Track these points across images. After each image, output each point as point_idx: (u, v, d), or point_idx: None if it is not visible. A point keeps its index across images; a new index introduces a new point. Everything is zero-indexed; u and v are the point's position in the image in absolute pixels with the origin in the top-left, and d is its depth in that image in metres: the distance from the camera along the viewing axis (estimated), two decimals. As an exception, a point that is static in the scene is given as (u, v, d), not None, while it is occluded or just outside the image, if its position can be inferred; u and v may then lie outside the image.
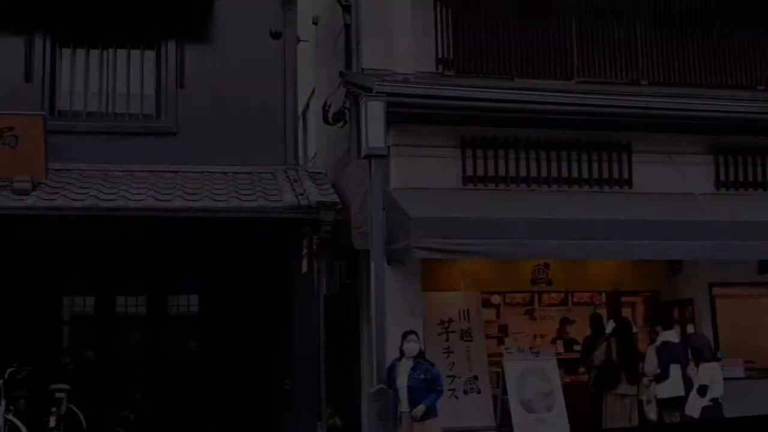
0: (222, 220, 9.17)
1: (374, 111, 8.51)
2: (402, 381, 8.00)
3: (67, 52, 10.65)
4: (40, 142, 9.11)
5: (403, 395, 7.98)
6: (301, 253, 9.50)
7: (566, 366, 11.25)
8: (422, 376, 8.00)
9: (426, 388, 8.01)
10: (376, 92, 8.87)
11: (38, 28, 10.35)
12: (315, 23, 14.92)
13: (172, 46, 10.67)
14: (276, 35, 10.84)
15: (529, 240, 9.03)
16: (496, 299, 12.19)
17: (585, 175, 10.28)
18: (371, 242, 8.50)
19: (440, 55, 10.90)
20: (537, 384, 10.12)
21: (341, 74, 11.27)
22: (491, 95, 9.69)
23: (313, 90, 15.30)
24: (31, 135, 9.06)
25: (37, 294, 13.20)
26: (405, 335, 8.19)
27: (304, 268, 9.36)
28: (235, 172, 10.40)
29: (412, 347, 8.08)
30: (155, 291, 13.80)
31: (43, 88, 10.31)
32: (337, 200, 9.32)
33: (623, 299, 12.07)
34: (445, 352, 10.35)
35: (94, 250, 12.30)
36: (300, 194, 9.49)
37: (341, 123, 11.62)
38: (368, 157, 8.58)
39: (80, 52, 10.70)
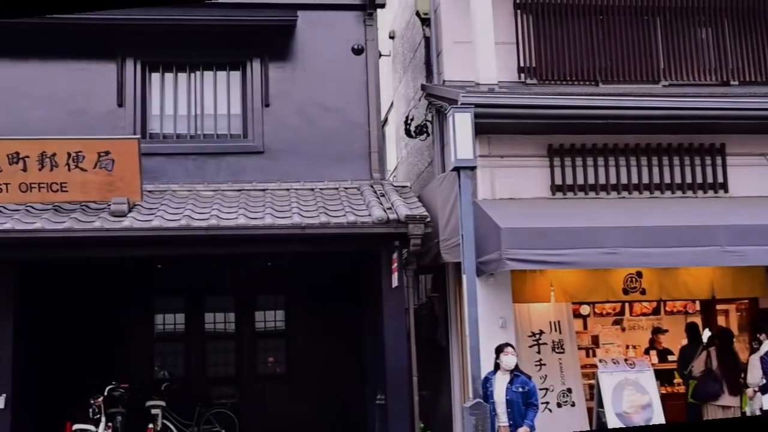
0: (311, 237, 9.23)
1: (462, 122, 8.46)
2: (499, 395, 7.89)
3: (156, 76, 10.94)
4: (135, 164, 9.36)
5: (501, 409, 7.87)
6: (390, 267, 9.49)
7: (662, 377, 10.96)
8: (520, 390, 7.88)
9: (523, 401, 7.88)
10: (464, 103, 8.81)
11: (129, 53, 10.64)
12: (392, 37, 15.01)
13: (257, 65, 10.85)
14: (358, 51, 10.92)
15: (623, 248, 8.82)
16: (585, 310, 11.98)
17: (678, 180, 10.01)
18: (462, 255, 8.43)
19: (522, 64, 10.83)
20: (634, 396, 9.85)
21: (423, 87, 11.27)
22: (579, 102, 9.53)
23: (391, 104, 15.37)
24: (126, 158, 9.32)
25: (129, 312, 13.60)
26: (501, 348, 8.09)
27: (395, 283, 9.34)
28: (321, 188, 10.50)
29: (509, 360, 7.97)
30: (242, 307, 14.05)
31: (134, 111, 10.60)
32: (426, 214, 9.29)
33: (717, 307, 11.72)
34: (537, 365, 10.19)
35: (183, 269, 12.60)
36: (388, 208, 9.50)
37: (424, 136, 11.61)
38: (457, 169, 8.52)
39: (169, 76, 10.97)
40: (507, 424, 7.84)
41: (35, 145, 9.23)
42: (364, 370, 11.34)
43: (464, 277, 8.48)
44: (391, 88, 15.28)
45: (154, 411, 11.56)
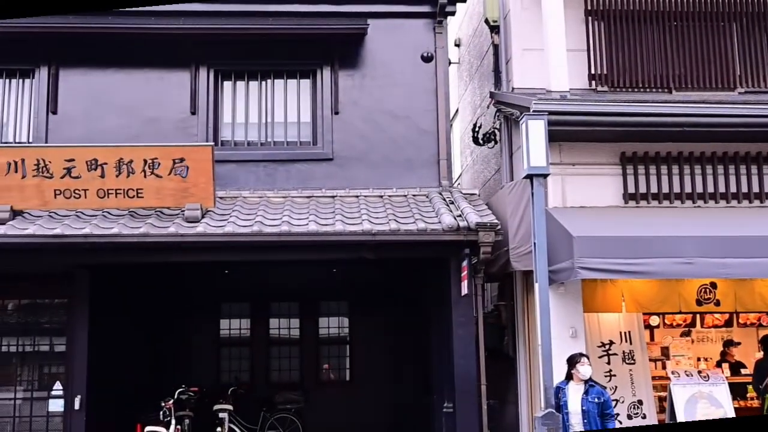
0: (382, 243, 9.25)
1: (536, 130, 8.38)
2: (574, 405, 7.77)
3: (228, 84, 11.11)
4: (208, 171, 9.50)
5: (576, 419, 7.75)
6: (460, 275, 9.45)
7: (735, 390, 10.67)
8: (596, 400, 7.75)
9: (599, 412, 7.76)
10: (536, 111, 8.74)
11: (202, 62, 10.82)
12: (457, 45, 14.99)
13: (327, 73, 10.94)
14: (428, 59, 10.93)
15: (699, 258, 8.64)
16: (654, 320, 11.75)
17: (755, 189, 9.78)
18: (535, 263, 8.34)
19: (593, 71, 10.71)
20: (708, 409, 9.63)
21: (492, 95, 11.22)
22: (654, 110, 9.38)
23: (456, 111, 15.33)
24: (200, 165, 9.47)
25: (195, 317, 13.81)
26: (576, 358, 7.97)
27: (464, 291, 9.30)
28: (390, 195, 10.52)
29: (586, 370, 7.85)
30: (306, 313, 14.16)
31: (207, 119, 10.77)
32: (497, 222, 9.23)
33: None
34: (606, 376, 10.02)
35: (248, 275, 12.74)
36: (458, 216, 9.47)
37: (492, 143, 11.56)
38: (530, 176, 8.45)
39: (240, 84, 11.13)
40: (582, 435, 7.73)
41: (113, 152, 9.44)
42: (430, 377, 11.29)
43: (536, 286, 8.39)
44: (456, 95, 15.25)
45: (221, 415, 11.70)
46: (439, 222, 9.34)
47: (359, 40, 10.89)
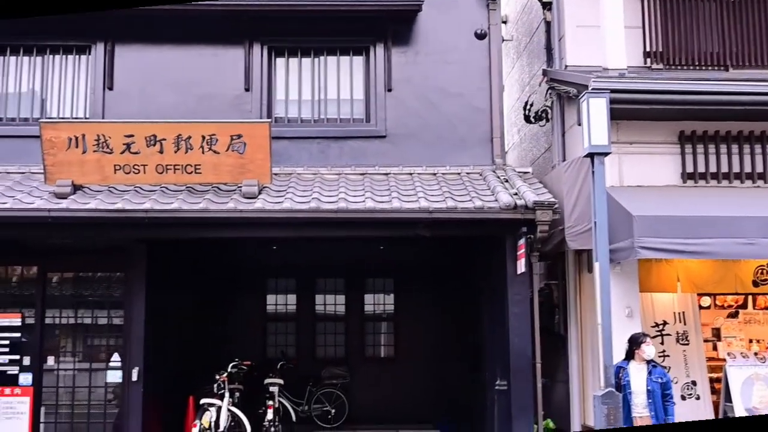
0: (438, 221, 9.26)
1: (597, 108, 8.30)
2: (638, 385, 7.77)
3: (281, 61, 11.13)
4: (265, 147, 9.55)
5: (640, 399, 7.75)
6: (516, 253, 9.44)
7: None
8: (659, 380, 7.75)
9: (661, 393, 7.76)
10: (596, 88, 8.65)
11: (256, 38, 10.84)
12: (504, 22, 14.80)
13: (380, 50, 10.92)
14: (481, 36, 10.87)
15: (762, 239, 8.56)
16: (705, 301, 11.65)
17: (818, 168, 9.65)
18: (595, 243, 8.30)
19: (648, 49, 10.58)
20: (764, 391, 9.57)
21: (544, 72, 11.13)
22: (717, 88, 9.27)
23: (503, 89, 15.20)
24: (257, 141, 9.52)
25: (243, 292, 13.96)
26: (641, 337, 7.96)
27: (521, 269, 9.29)
28: (443, 173, 10.51)
29: (651, 350, 7.85)
30: (352, 290, 14.24)
31: (261, 96, 10.81)
32: (554, 200, 9.20)
33: None
34: (660, 356, 9.99)
35: (295, 250, 12.83)
36: (514, 194, 9.44)
37: (543, 121, 11.49)
38: (591, 155, 8.39)
39: (293, 61, 11.14)
40: (647, 414, 7.72)
41: (171, 128, 9.52)
42: (479, 355, 11.32)
43: (596, 266, 8.35)
44: (505, 73, 15.13)
45: (271, 389, 11.85)
46: (496, 200, 9.32)
47: (413, 17, 10.84)
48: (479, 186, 9.93)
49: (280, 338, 14.26)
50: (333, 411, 13.17)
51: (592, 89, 8.67)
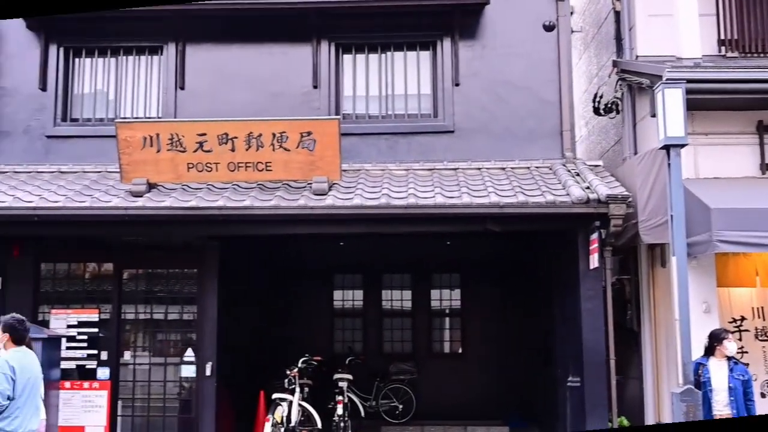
0: (509, 216, 9.18)
1: (672, 98, 8.13)
2: (720, 382, 7.59)
3: (348, 57, 11.17)
4: (335, 144, 9.60)
5: (722, 396, 7.57)
6: (588, 248, 9.31)
7: None
8: (741, 377, 7.55)
9: (743, 390, 7.57)
10: (671, 79, 8.45)
11: (324, 35, 10.90)
12: (571, 13, 14.61)
13: (447, 45, 10.87)
14: (549, 28, 10.73)
15: None
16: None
17: None
18: (672, 237, 8.14)
19: (723, 37, 10.31)
20: None
21: (615, 63, 10.94)
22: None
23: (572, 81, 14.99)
24: (327, 138, 9.58)
25: (310, 288, 14.07)
26: (723, 334, 7.78)
27: (594, 264, 9.16)
28: (513, 167, 10.42)
29: (732, 346, 7.66)
30: (418, 285, 14.24)
31: (329, 92, 10.86)
32: (628, 194, 9.03)
33: None
34: (738, 353, 9.71)
35: (361, 246, 12.88)
36: (586, 188, 9.31)
37: (613, 113, 11.29)
38: (666, 147, 8.22)
39: (360, 57, 11.17)
40: (729, 412, 7.53)
41: (243, 126, 9.63)
42: (548, 351, 11.20)
43: (672, 260, 8.18)
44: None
45: (341, 384, 11.91)
46: (567, 194, 9.20)
47: (480, 11, 10.77)
48: (550, 180, 9.81)
49: (347, 334, 14.34)
50: (400, 407, 13.19)
51: (667, 79, 8.48)
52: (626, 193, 9.10)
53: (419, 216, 9.22)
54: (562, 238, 10.05)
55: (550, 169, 10.30)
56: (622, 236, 9.93)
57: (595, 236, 9.14)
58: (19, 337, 6.74)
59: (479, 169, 10.42)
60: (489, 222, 9.31)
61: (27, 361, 6.71)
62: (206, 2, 10.45)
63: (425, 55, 11.09)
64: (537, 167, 10.39)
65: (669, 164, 8.23)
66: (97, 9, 8.88)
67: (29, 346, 6.95)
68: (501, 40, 10.87)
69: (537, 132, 10.63)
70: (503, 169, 10.40)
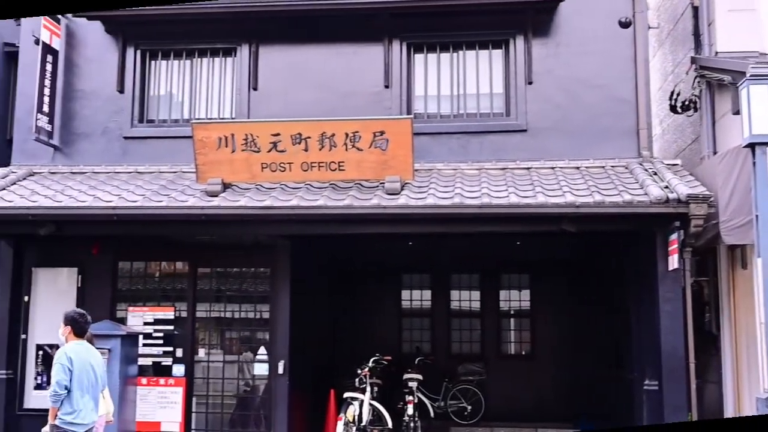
0: (585, 216, 9.03)
1: (759, 95, 7.93)
2: (808, 388, 7.35)
3: (419, 57, 11.13)
4: (408, 144, 9.58)
5: (810, 403, 7.33)
6: (667, 249, 9.10)
7: None
8: (832, 383, 7.29)
9: (833, 396, 7.30)
10: (755, 75, 8.18)
11: (395, 35, 10.89)
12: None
13: (519, 43, 10.74)
14: (625, 24, 10.51)
15: None
16: None
17: None
18: (757, 237, 7.92)
19: (809, 31, 9.95)
20: None
21: (693, 60, 10.67)
22: None
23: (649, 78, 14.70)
24: (399, 137, 9.56)
25: (378, 288, 14.10)
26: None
27: (673, 265, 8.94)
28: (587, 167, 10.25)
29: (823, 351, 7.41)
30: (487, 286, 14.15)
31: (400, 92, 10.84)
32: (709, 193, 8.79)
33: None
34: (824, 357, 9.41)
35: (429, 246, 12.83)
36: (665, 187, 9.09)
37: (691, 111, 11.01)
38: (751, 145, 7.99)
39: (432, 56, 11.12)
40: (821, 419, 7.25)
41: (316, 126, 9.68)
42: (623, 353, 10.99)
43: (758, 261, 7.97)
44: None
45: (411, 384, 11.90)
46: (645, 194, 9.00)
47: (554, 8, 10.61)
48: (626, 179, 9.61)
49: (414, 334, 14.34)
50: (469, 407, 13.14)
51: (752, 75, 8.23)
52: (707, 192, 8.86)
53: (493, 216, 9.14)
54: (637, 239, 9.85)
55: (627, 168, 10.09)
56: (702, 237, 9.67)
57: (674, 237, 8.92)
58: (80, 331, 6.99)
59: (553, 168, 10.27)
60: (564, 222, 9.17)
61: (85, 354, 6.93)
62: (277, 3, 10.55)
63: (497, 54, 10.98)
64: (612, 166, 10.19)
65: (754, 162, 8.02)
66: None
67: (91, 342, 7.22)
68: (575, 38, 10.70)
69: (612, 130, 10.43)
70: (577, 168, 10.24)
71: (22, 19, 11.62)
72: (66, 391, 6.69)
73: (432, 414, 12.53)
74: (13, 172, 10.98)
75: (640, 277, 10.01)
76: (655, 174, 9.66)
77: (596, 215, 9.01)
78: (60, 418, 6.71)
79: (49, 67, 11.06)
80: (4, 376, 10.43)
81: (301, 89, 10.96)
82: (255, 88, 11.08)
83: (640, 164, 10.08)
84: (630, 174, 9.84)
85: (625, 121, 10.42)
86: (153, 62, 11.57)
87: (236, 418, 10.54)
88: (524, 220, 9.23)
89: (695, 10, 10.97)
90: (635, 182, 9.46)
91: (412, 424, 11.38)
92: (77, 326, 6.97)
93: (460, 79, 11.01)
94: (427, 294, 14.41)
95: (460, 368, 13.54)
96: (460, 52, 11.07)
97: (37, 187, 10.39)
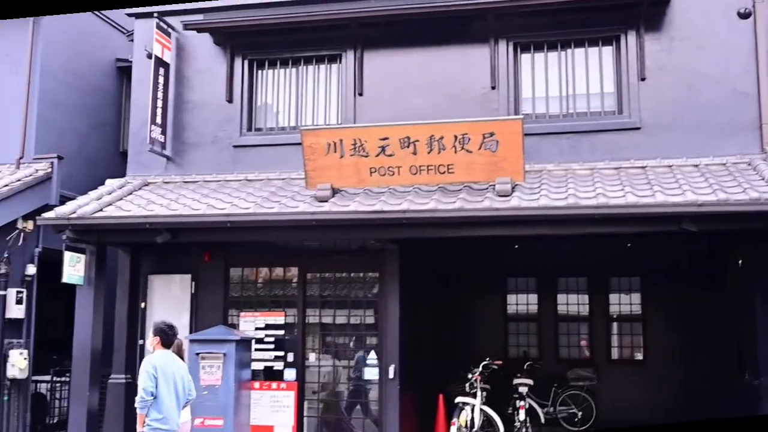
0: (707, 215, 8.66)
1: None
2: None
3: (526, 56, 10.94)
4: (518, 145, 9.42)
5: None
6: (797, 249, 8.64)
7: None
8: None
9: None
10: None
11: (501, 36, 10.75)
12: (758, -2, 13.73)
13: (631, 39, 10.43)
14: (745, 15, 10.07)
15: None
16: None
17: None
18: None
19: None
20: None
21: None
22: None
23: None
24: (510, 138, 9.41)
25: (483, 291, 13.93)
26: None
27: (806, 265, 8.48)
28: (707, 164, 9.85)
29: None
30: (596, 289, 13.78)
31: (507, 93, 10.68)
32: None
33: None
34: None
35: (535, 249, 12.59)
36: (794, 184, 8.65)
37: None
38: None
39: (539, 56, 10.92)
40: None
41: (424, 129, 9.63)
42: (747, 359, 10.49)
43: None
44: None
45: (521, 389, 11.70)
46: (773, 191, 8.57)
47: (667, 1, 10.25)
48: (750, 176, 9.19)
49: (521, 338, 14.10)
50: (579, 413, 12.81)
51: None
52: (843, 189, 8.38)
53: (609, 216, 8.86)
54: (761, 238, 9.38)
55: (749, 164, 9.65)
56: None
57: (806, 236, 8.47)
58: (167, 342, 7.38)
59: (670, 166, 9.91)
60: (685, 222, 8.81)
61: (169, 363, 7.25)
62: (381, 8, 10.56)
63: (607, 51, 10.69)
64: (734, 163, 9.76)
65: None
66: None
67: (178, 352, 7.72)
68: (690, 31, 10.31)
69: (732, 126, 10.00)
70: (696, 165, 9.85)
71: (135, 34, 12.02)
72: (152, 398, 7.03)
73: (543, 420, 12.28)
74: (128, 183, 11.34)
75: (763, 279, 9.54)
76: (782, 170, 9.20)
77: (720, 214, 8.62)
78: (148, 424, 7.05)
79: (161, 79, 11.39)
80: (124, 380, 10.75)
81: (406, 93, 10.93)
82: (360, 94, 11.11)
83: (765, 160, 9.62)
84: (753, 171, 9.40)
85: (747, 115, 9.98)
86: (260, 71, 11.76)
87: (347, 422, 10.57)
88: (642, 221, 8.92)
89: (819, -5, 10.41)
90: (761, 179, 9.02)
91: (524, 430, 11.18)
92: (165, 337, 7.36)
93: (569, 77, 10.77)
94: (534, 298, 14.14)
95: (569, 373, 13.23)
96: (569, 51, 10.83)
97: (152, 197, 10.70)
